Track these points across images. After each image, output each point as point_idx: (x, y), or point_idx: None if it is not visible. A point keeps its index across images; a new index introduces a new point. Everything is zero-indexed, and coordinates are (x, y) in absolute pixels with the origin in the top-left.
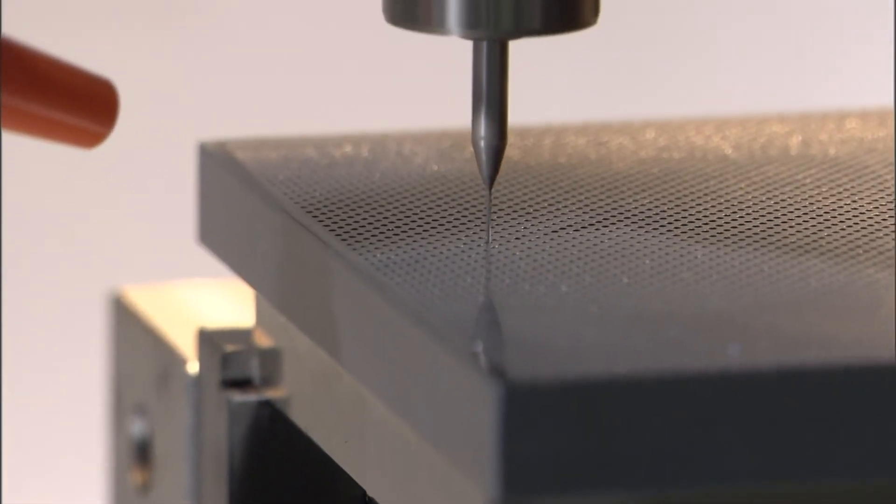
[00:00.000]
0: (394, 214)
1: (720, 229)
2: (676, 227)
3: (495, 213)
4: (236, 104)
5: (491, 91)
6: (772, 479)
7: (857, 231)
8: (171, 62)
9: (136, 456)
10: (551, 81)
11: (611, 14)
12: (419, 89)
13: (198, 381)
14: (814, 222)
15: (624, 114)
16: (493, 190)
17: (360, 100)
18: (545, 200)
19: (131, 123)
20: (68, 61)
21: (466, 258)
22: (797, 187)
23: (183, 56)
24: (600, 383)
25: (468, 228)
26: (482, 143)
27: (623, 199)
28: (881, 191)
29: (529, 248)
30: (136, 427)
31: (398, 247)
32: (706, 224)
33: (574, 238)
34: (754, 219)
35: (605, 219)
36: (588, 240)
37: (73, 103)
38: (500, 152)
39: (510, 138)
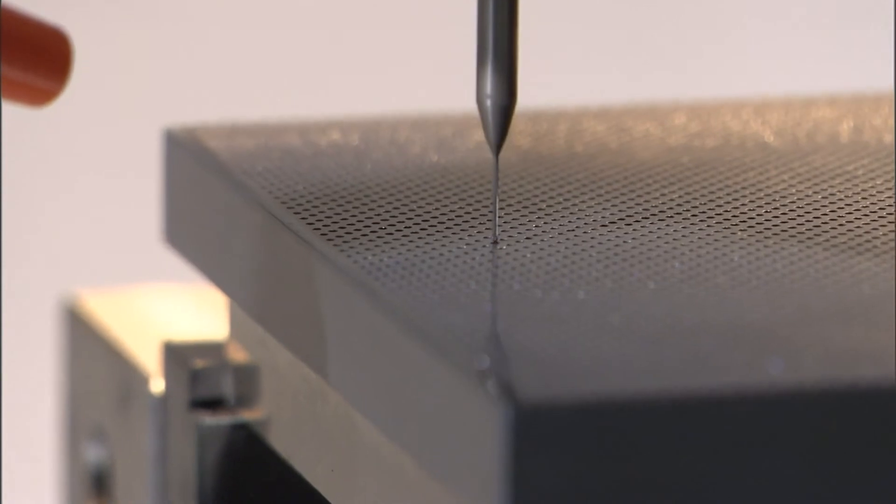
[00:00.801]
0: (387, 211)
1: (760, 227)
2: (710, 226)
3: (504, 209)
4: (207, 84)
5: (498, 42)
6: None
7: None
8: (132, 35)
9: (93, 486)
10: (567, 60)
11: None
12: (416, 69)
13: (163, 401)
14: (867, 219)
15: (650, 96)
16: (500, 185)
17: (350, 80)
18: (560, 195)
19: (87, 103)
20: (10, 4)
21: (470, 260)
22: (848, 179)
23: (145, 29)
24: (623, 404)
25: (472, 227)
26: (488, 102)
27: (649, 193)
28: None
29: (542, 248)
30: (93, 453)
31: (392, 248)
32: (744, 222)
33: (593, 238)
34: (799, 215)
35: (628, 216)
36: (609, 240)
37: (19, 55)
38: (508, 112)
39: (520, 124)
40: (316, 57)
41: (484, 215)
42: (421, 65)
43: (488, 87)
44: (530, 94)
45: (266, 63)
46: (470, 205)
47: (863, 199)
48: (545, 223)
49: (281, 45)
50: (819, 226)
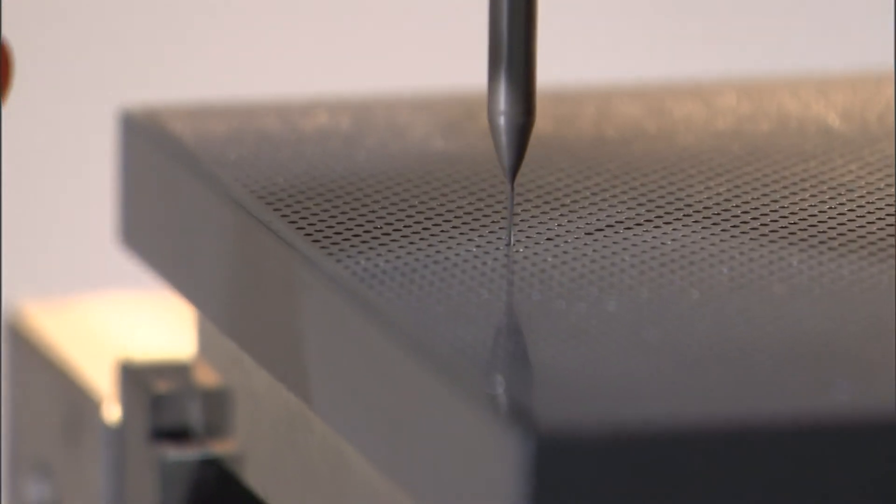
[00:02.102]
0: (383, 207)
1: (823, 227)
2: (764, 224)
3: (520, 205)
4: (169, 57)
5: (514, 49)
6: None
7: None
8: (82, 4)
9: None
10: (595, 28)
11: None
12: (418, 38)
13: (118, 431)
14: None
15: (692, 71)
16: (516, 180)
17: (339, 52)
18: (587, 188)
19: (30, 84)
20: None
21: (481, 265)
22: None
23: None
24: (662, 434)
25: (483, 226)
26: (502, 121)
27: (692, 186)
28: None
29: (566, 252)
30: (37, 491)
31: (390, 251)
32: (804, 220)
33: (626, 238)
34: (869, 212)
35: (667, 213)
36: (645, 241)
37: None
38: (525, 132)
39: (540, 104)
40: (299, 25)
41: (498, 212)
42: (422, 35)
43: (502, 102)
44: (552, 69)
45: (241, 32)
46: (481, 200)
47: None
48: (569, 221)
49: (258, 12)
50: (893, 224)
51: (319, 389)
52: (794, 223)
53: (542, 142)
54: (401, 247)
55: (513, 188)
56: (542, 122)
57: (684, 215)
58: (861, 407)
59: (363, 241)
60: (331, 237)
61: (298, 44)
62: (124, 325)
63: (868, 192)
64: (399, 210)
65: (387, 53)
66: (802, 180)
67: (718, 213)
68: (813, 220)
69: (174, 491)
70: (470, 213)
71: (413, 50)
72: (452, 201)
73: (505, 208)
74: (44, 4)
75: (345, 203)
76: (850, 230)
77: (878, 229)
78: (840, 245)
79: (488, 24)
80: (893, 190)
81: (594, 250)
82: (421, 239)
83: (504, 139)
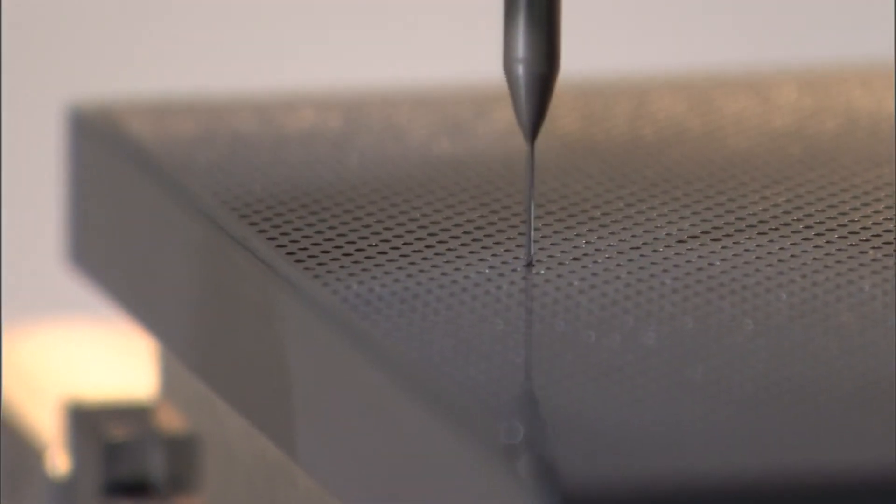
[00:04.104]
0: (379, 221)
1: None
2: (829, 242)
3: (542, 218)
4: (127, 41)
5: None
6: None
7: None
8: None
9: None
10: (630, 7)
11: None
12: (419, 22)
13: (67, 484)
14: None
15: (746, 60)
16: (537, 186)
17: (328, 39)
18: (620, 198)
19: None
20: None
21: (495, 290)
22: None
23: None
24: (710, 492)
25: (497, 243)
26: (520, 70)
27: (745, 196)
28: None
29: (595, 273)
30: None
31: (387, 273)
32: (877, 236)
33: (666, 258)
34: None
35: (715, 227)
36: (689, 261)
37: None
38: (548, 84)
39: (565, 100)
40: (280, 7)
41: (514, 227)
42: (424, 19)
43: (520, 48)
44: (579, 58)
45: (212, 15)
46: (495, 212)
47: None
48: (599, 238)
49: None
50: None
51: (303, 437)
52: (866, 240)
53: (568, 144)
54: (399, 268)
55: (532, 152)
56: (568, 120)
57: (735, 230)
58: None
59: (355, 262)
60: (317, 256)
61: (279, 28)
62: (73, 359)
63: None
64: (398, 224)
65: (383, 40)
66: (875, 189)
67: (776, 228)
68: (888, 237)
69: None
70: (482, 228)
71: (414, 36)
72: (461, 213)
73: (523, 222)
74: None
75: (333, 216)
76: None
77: None
78: None
79: None
80: None
81: (629, 272)
82: (423, 259)
83: (522, 91)
